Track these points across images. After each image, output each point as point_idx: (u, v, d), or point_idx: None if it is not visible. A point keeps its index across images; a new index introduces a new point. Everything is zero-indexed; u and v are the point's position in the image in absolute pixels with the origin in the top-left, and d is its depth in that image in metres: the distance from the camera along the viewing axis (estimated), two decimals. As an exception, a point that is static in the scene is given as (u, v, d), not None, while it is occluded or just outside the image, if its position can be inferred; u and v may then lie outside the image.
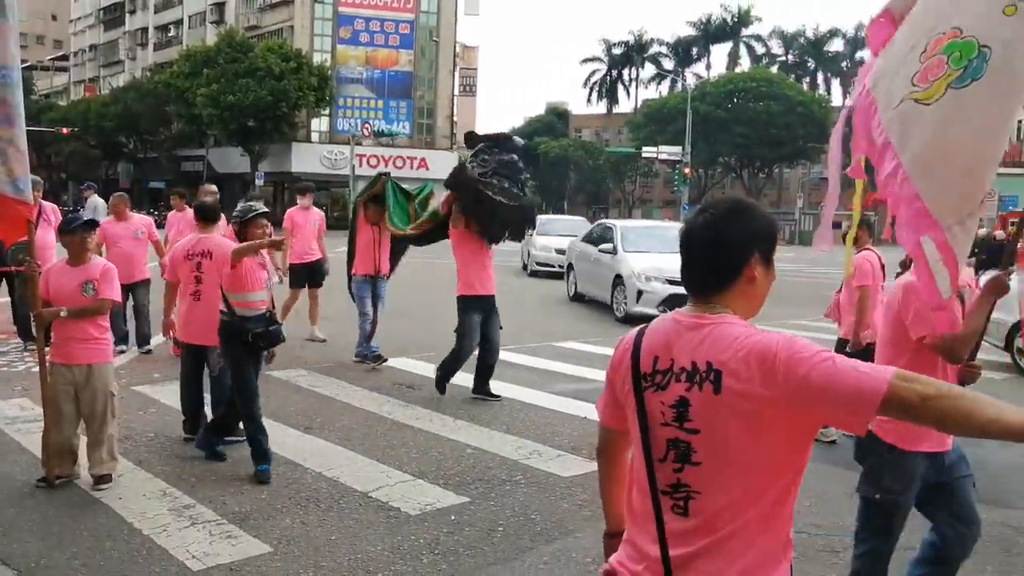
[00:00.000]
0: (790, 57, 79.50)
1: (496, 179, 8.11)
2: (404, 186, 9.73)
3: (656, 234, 16.16)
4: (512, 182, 8.25)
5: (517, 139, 8.74)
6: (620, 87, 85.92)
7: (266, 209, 6.28)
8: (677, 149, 52.82)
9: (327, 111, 55.25)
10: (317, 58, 53.80)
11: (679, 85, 73.84)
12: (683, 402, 1.91)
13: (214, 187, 10.48)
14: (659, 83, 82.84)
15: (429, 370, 9.52)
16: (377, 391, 8.52)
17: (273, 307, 6.27)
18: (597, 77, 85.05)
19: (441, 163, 57.53)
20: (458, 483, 5.91)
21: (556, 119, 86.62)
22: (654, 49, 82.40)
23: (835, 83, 78.92)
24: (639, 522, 2.04)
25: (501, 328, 8.51)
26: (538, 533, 5.05)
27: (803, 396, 1.79)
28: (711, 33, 78.99)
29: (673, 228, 17.33)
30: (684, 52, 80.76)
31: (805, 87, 71.70)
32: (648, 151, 56.11)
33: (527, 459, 6.48)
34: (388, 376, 9.24)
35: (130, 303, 9.95)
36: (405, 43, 57.67)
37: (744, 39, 79.41)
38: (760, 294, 2.04)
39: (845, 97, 76.05)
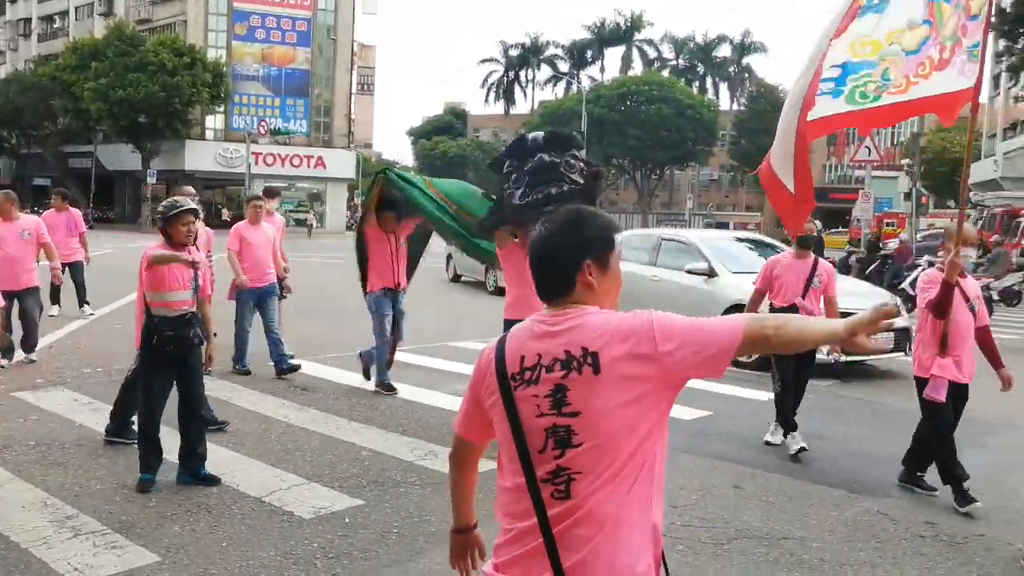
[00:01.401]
0: (680, 62, 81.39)
1: (538, 194, 6.55)
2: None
3: (743, 247, 13.20)
4: (553, 183, 6.66)
5: (530, 136, 7.17)
6: (517, 88, 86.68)
7: (193, 205, 5.96)
8: (574, 151, 53.25)
9: (222, 108, 54.01)
10: (212, 54, 52.50)
11: (574, 87, 74.79)
12: (559, 389, 2.06)
13: (191, 188, 9.64)
14: (555, 85, 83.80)
15: (327, 373, 9.46)
16: (272, 395, 8.39)
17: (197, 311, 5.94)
18: (494, 78, 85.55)
19: (339, 162, 56.99)
20: (353, 486, 5.89)
21: (454, 119, 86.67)
22: (550, 51, 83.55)
23: (723, 87, 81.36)
24: (516, 518, 2.13)
25: None
26: (433, 534, 5.07)
27: (678, 354, 2.03)
28: (605, 37, 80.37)
29: (754, 239, 15.25)
30: (579, 55, 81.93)
31: (695, 91, 73.44)
32: (545, 152, 56.40)
33: (423, 460, 6.50)
34: (284, 379, 9.09)
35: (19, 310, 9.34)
36: (302, 40, 56.79)
37: (636, 43, 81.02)
38: (604, 296, 2.19)
39: (732, 101, 78.63)
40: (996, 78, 44.00)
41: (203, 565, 4.56)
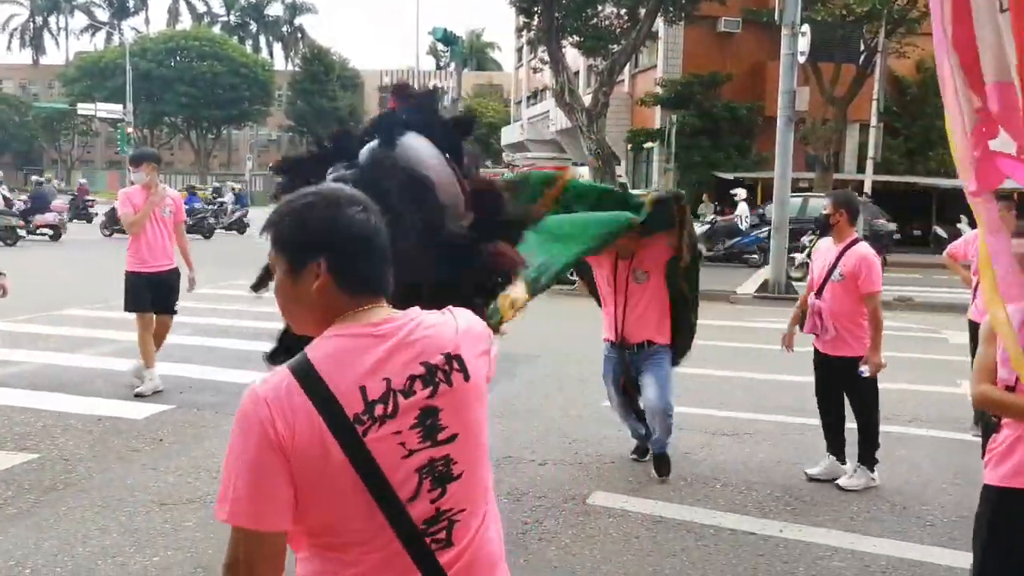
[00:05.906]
0: (232, 18, 79.54)
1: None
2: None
3: None
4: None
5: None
6: (48, 36, 78.99)
7: None
8: (119, 107, 49.97)
9: None
10: None
11: (116, 38, 69.83)
12: (429, 412, 1.62)
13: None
14: (93, 35, 78.03)
15: None
16: None
17: None
18: (18, 23, 77.38)
19: None
20: None
21: (-33, 69, 76.50)
22: (85, -3, 77.06)
23: (277, 47, 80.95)
24: None
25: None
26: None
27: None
28: (150, -14, 75.89)
29: None
30: (120, 4, 76.81)
31: (249, 49, 72.27)
32: (85, 108, 52.22)
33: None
34: None
35: None
36: None
37: (185, -5, 77.63)
38: None
39: (287, 61, 78.81)
40: (519, 51, 49.33)
41: None
